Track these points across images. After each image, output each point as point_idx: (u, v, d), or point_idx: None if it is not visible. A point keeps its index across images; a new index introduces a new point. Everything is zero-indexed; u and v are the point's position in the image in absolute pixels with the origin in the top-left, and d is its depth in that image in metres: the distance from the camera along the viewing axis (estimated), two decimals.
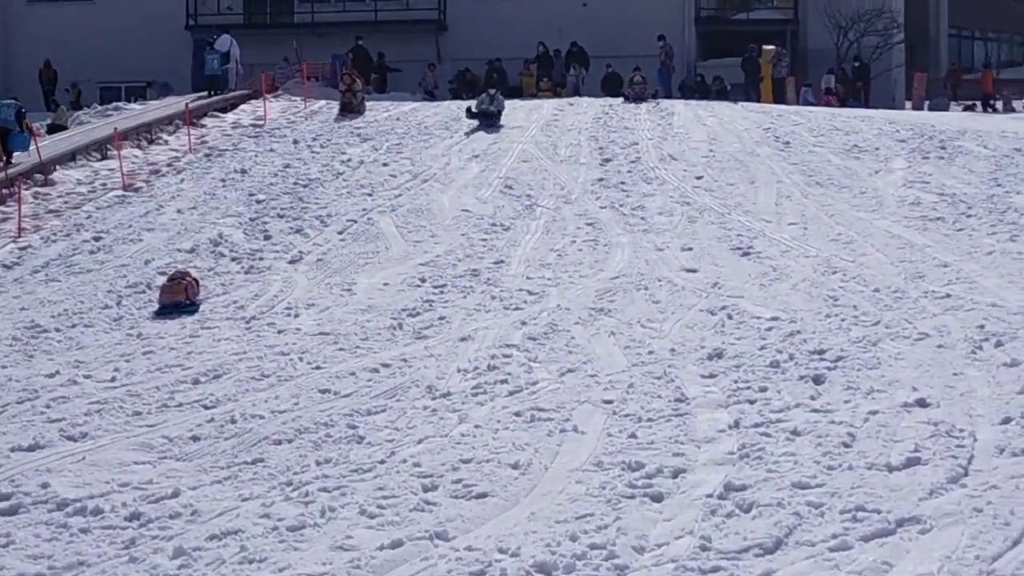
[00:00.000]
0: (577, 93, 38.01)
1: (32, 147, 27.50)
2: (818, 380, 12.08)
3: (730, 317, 14.92)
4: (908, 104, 42.63)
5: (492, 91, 31.50)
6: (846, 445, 10.20)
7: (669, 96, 38.10)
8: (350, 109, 32.93)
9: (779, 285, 16.64)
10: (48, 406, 12.87)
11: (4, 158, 26.98)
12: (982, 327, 13.54)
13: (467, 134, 29.38)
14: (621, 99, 34.26)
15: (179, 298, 17.02)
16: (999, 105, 41.26)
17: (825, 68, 41.99)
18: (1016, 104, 40.42)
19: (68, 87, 41.42)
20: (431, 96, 39.60)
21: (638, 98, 33.69)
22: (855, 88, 41.14)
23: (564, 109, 33.09)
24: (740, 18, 50.04)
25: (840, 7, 43.39)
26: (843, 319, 14.48)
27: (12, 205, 23.88)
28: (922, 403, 11.06)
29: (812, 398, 11.56)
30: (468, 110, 30.55)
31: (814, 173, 24.80)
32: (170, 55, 44.29)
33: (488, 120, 30.08)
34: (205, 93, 36.59)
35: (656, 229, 20.76)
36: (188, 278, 17.35)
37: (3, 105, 28.02)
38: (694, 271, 17.78)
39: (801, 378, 12.20)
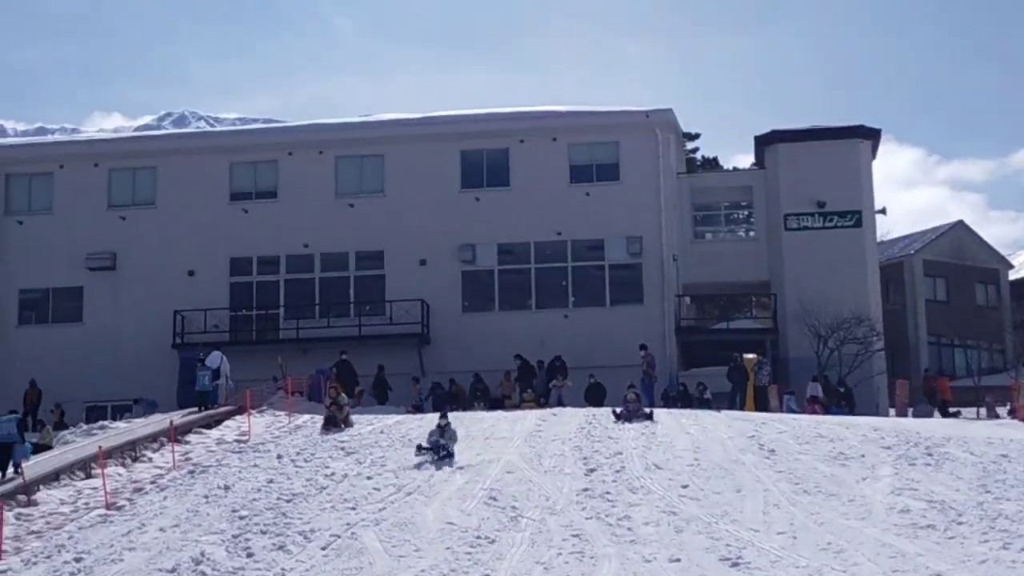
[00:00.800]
0: (560, 404, 38.17)
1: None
2: None
3: None
4: (891, 411, 42.90)
5: (443, 422, 28.85)
6: None
7: (652, 405, 38.33)
8: (334, 423, 33.02)
9: None
10: None
11: (16, 469, 27.58)
12: None
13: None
14: (611, 416, 32.54)
15: None
16: (983, 411, 41.65)
17: (806, 375, 42.43)
18: (1000, 410, 40.68)
19: (52, 407, 41.49)
20: (418, 409, 39.72)
21: (630, 417, 31.92)
22: (838, 395, 41.44)
23: (547, 419, 33.21)
24: (720, 327, 50.90)
25: (819, 316, 44.14)
26: None
27: None
28: None
29: None
30: (418, 447, 28.22)
31: (801, 481, 24.71)
32: (157, 373, 44.85)
33: (440, 454, 27.82)
34: (194, 409, 36.86)
35: (643, 540, 20.54)
36: None
37: (4, 421, 28.69)
38: None
39: None
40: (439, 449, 27.84)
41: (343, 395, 34.67)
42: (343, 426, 33.06)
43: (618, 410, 32.38)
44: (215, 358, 39.31)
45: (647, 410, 32.75)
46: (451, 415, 35.05)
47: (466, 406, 39.41)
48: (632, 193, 47.17)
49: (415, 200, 47.66)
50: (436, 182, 47.89)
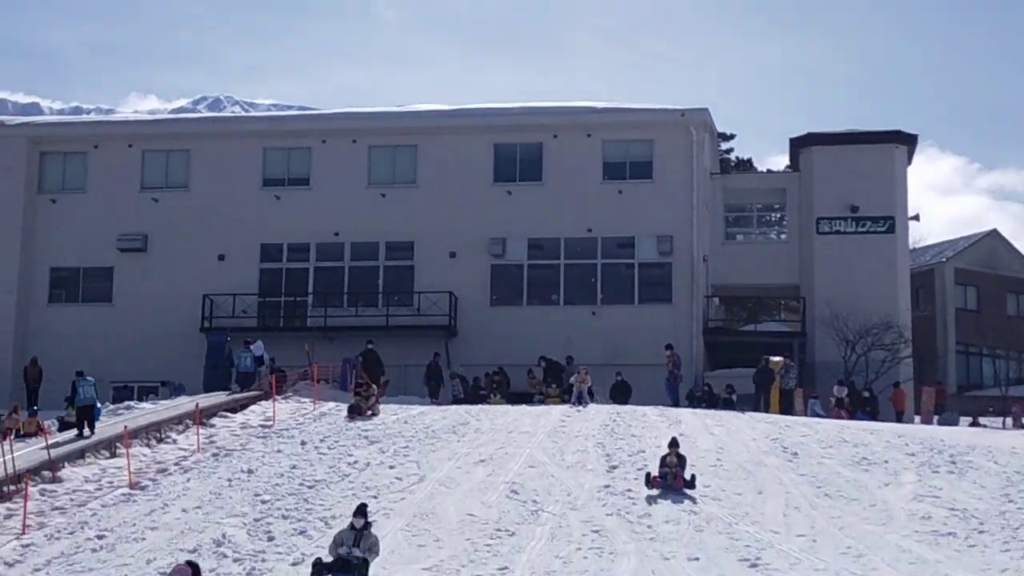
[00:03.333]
0: (580, 400, 37.81)
1: (42, 444, 27.71)
2: None
3: None
4: (917, 418, 42.73)
5: (359, 522, 18.85)
6: None
7: (677, 405, 38.30)
8: (359, 412, 33.10)
9: None
10: None
11: (90, 431, 29.77)
12: None
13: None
14: (643, 478, 24.68)
15: None
16: (1008, 421, 41.49)
17: (832, 380, 42.25)
18: None
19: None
20: (460, 401, 39.56)
21: (666, 484, 24.28)
22: (863, 401, 41.28)
23: (571, 416, 33.21)
24: (748, 329, 50.75)
25: (847, 321, 43.99)
26: None
27: (18, 502, 23.79)
28: None
29: None
30: (315, 565, 18.34)
31: (823, 484, 24.67)
32: (184, 355, 44.96)
33: (345, 572, 18.27)
34: (220, 393, 37.47)
35: (662, 538, 20.56)
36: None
37: (85, 383, 30.71)
38: None
39: None
40: (350, 567, 18.33)
41: (373, 385, 34.81)
42: (369, 414, 33.16)
43: (652, 473, 24.69)
44: (259, 346, 40.48)
45: (687, 475, 24.44)
46: (477, 408, 35.17)
47: (482, 399, 39.44)
48: (664, 192, 47.06)
49: (447, 192, 47.67)
50: (468, 175, 47.87)
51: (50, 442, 28.39)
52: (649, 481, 24.22)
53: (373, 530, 18.75)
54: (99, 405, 31.92)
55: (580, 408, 35.02)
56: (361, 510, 19.07)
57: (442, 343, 45.70)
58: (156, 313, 47.40)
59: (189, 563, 17.57)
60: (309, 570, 17.87)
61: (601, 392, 39.99)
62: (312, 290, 48.15)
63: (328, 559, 18.26)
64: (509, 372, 42.21)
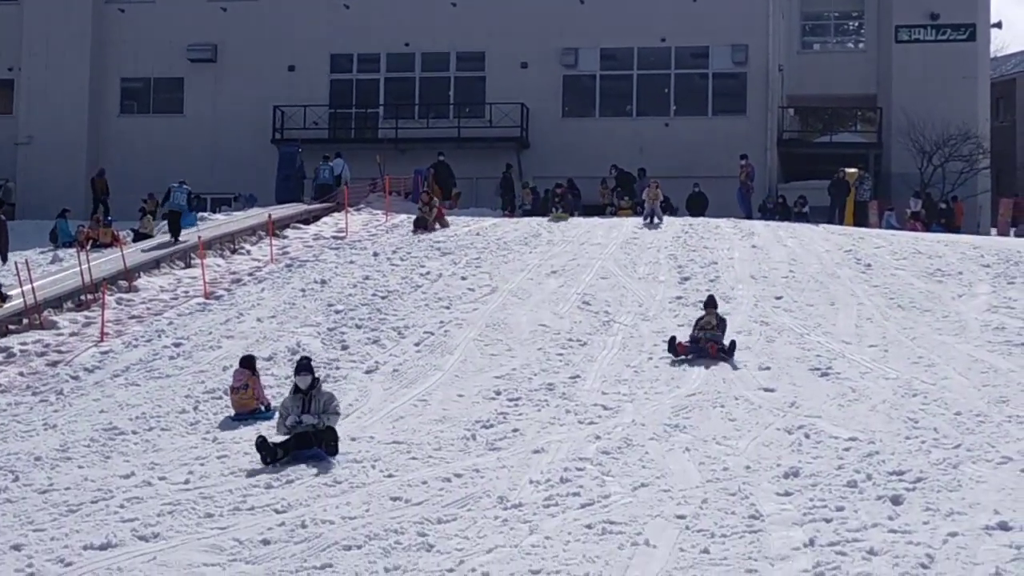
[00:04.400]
0: (653, 214, 37.54)
1: (118, 254, 28.10)
2: (896, 501, 11.84)
3: (807, 436, 14.72)
4: (993, 230, 42.24)
5: (307, 379, 15.09)
6: (924, 566, 9.98)
7: (749, 217, 38.06)
8: (423, 225, 33.04)
9: (858, 406, 16.42)
10: (122, 506, 12.94)
11: (174, 237, 30.55)
12: None
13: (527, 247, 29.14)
14: (678, 348, 19.88)
15: (254, 405, 17.16)
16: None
17: (908, 192, 41.81)
18: None
19: (146, 197, 40.63)
20: (528, 214, 39.36)
21: (699, 350, 19.72)
22: (939, 212, 40.82)
23: (643, 228, 33.13)
24: (823, 141, 50.13)
25: (924, 131, 43.31)
26: (923, 441, 14.23)
27: (96, 310, 24.22)
28: (1004, 526, 10.80)
29: (890, 518, 11.32)
30: (261, 446, 14.52)
31: (896, 296, 24.56)
32: (255, 167, 45.09)
33: (305, 446, 14.58)
34: (292, 204, 37.57)
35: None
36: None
37: (177, 190, 31.27)
38: (771, 390, 17.59)
39: (879, 498, 11.97)
40: (308, 440, 14.62)
41: (435, 199, 34.71)
42: (438, 226, 33.19)
43: (683, 340, 20.11)
44: (339, 164, 40.19)
45: (725, 341, 20.01)
46: (544, 220, 35.04)
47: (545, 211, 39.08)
48: (739, 0, 46.11)
49: (518, 1, 46.95)
50: None
51: (135, 249, 28.83)
52: (673, 347, 19.79)
53: (325, 387, 15.70)
54: (191, 212, 32.92)
55: (652, 225, 34.67)
56: (305, 365, 15.42)
57: (514, 155, 45.52)
58: (227, 124, 47.48)
59: (244, 360, 17.94)
60: (375, 378, 17.79)
61: (679, 203, 39.75)
62: (383, 101, 47.95)
63: (277, 439, 14.74)
64: (581, 185, 41.89)
